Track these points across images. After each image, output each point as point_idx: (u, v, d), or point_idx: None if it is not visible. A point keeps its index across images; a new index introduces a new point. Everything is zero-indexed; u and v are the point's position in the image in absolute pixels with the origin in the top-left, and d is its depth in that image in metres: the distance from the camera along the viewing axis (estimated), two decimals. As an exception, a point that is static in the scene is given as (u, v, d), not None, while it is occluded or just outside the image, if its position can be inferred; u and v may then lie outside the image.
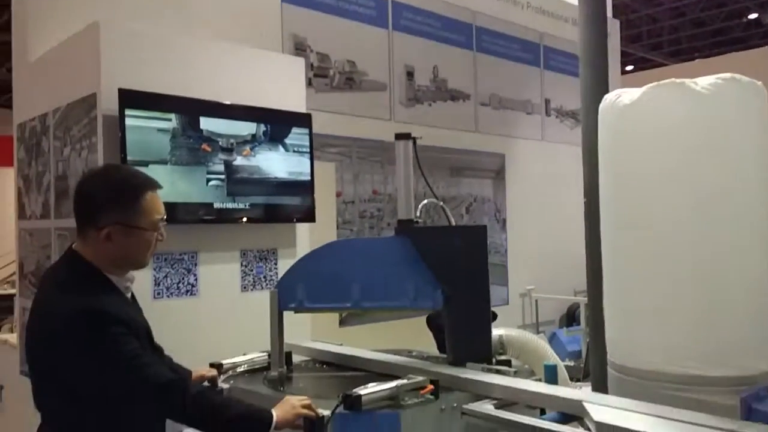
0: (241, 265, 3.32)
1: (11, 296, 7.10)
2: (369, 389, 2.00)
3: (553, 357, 2.52)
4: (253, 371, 2.63)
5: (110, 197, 1.84)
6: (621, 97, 2.08)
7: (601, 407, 1.80)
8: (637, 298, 2.09)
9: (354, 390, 1.98)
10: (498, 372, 2.25)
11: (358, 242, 2.54)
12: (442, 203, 2.80)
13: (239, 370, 2.61)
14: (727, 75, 1.90)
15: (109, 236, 1.80)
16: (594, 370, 2.84)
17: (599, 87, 2.84)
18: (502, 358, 2.41)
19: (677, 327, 1.98)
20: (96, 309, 1.70)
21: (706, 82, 1.87)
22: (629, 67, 11.78)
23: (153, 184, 1.92)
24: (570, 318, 7.42)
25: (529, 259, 6.57)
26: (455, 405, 2.11)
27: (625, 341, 2.12)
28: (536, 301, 6.56)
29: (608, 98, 2.18)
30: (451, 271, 2.38)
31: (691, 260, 2.00)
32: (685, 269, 2.01)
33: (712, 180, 1.96)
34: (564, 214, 5.86)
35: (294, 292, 2.51)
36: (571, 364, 4.41)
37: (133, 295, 1.92)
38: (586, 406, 1.82)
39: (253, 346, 2.76)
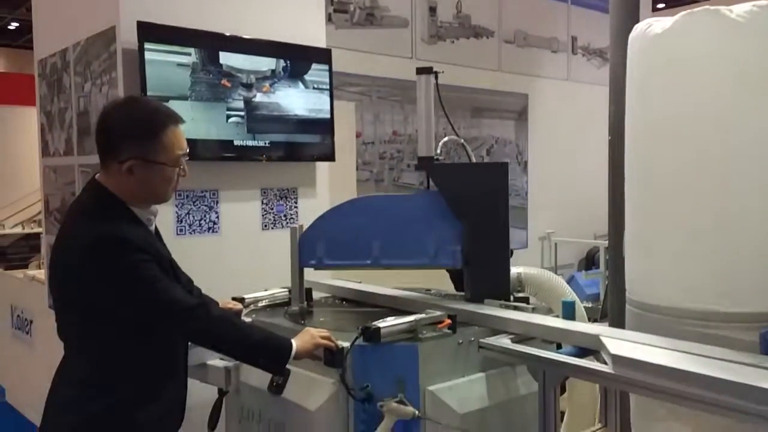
0: (262, 203, 3.34)
1: (38, 234, 7.29)
2: (388, 322, 2.03)
3: (571, 295, 2.53)
4: (274, 306, 2.68)
5: (132, 131, 1.81)
6: (652, 26, 2.00)
7: (618, 341, 1.81)
8: (660, 236, 2.06)
9: (373, 323, 2.01)
10: (515, 308, 2.27)
11: (379, 199, 2.54)
12: (462, 141, 2.76)
13: (261, 304, 2.66)
14: (764, 2, 1.82)
15: (130, 170, 1.79)
16: (612, 308, 2.84)
17: (629, 18, 2.73)
18: (520, 295, 2.42)
19: (698, 265, 1.96)
20: (118, 236, 1.72)
21: (742, 9, 1.79)
22: (661, 5, 11.35)
23: (176, 119, 1.87)
24: (589, 262, 7.41)
25: (550, 203, 6.52)
26: (472, 339, 2.14)
27: (645, 278, 2.11)
28: (555, 244, 6.55)
29: (638, 27, 2.10)
30: (471, 207, 2.37)
31: (715, 200, 1.96)
32: (709, 208, 1.97)
33: (742, 117, 1.90)
34: (588, 157, 5.75)
35: (314, 249, 2.53)
36: (589, 305, 4.42)
37: (156, 229, 1.94)
38: (603, 339, 1.83)
39: (273, 283, 2.81)
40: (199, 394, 2.74)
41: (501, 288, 2.41)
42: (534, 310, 2.24)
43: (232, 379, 2.58)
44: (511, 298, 2.41)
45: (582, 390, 2.57)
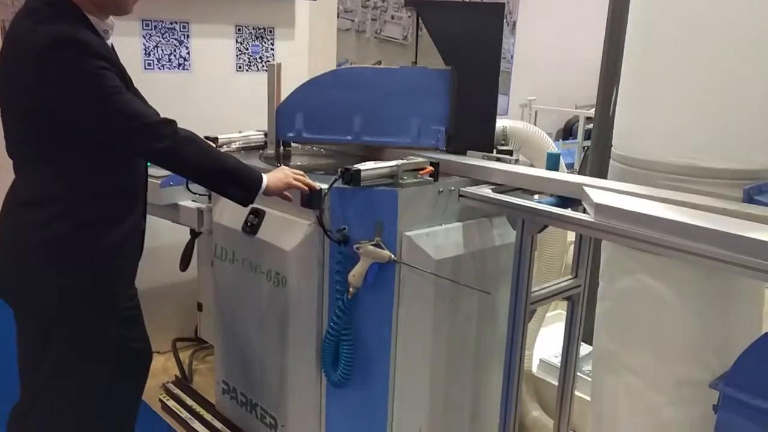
0: (236, 42, 3.13)
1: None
2: (368, 166, 1.96)
3: (554, 150, 2.48)
4: (249, 149, 2.59)
5: None
6: None
7: (601, 191, 1.78)
8: (653, 87, 1.98)
9: (353, 165, 1.94)
10: (497, 160, 2.22)
11: (363, 72, 2.36)
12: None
13: (234, 146, 2.57)
14: None
15: None
16: (592, 167, 2.82)
17: None
18: (504, 148, 2.36)
19: (688, 118, 1.90)
20: (78, 37, 1.56)
21: None
22: None
23: None
24: (567, 132, 7.39)
25: (535, 68, 6.35)
26: (452, 189, 2.10)
27: (632, 131, 2.05)
28: (536, 112, 6.46)
29: None
30: (461, 49, 2.24)
31: (714, 55, 1.87)
32: (708, 64, 1.88)
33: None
34: (581, 17, 5.51)
35: (292, 121, 2.39)
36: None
37: (113, 46, 1.76)
38: (587, 189, 1.80)
39: (247, 127, 2.70)
40: (171, 235, 2.73)
41: (485, 139, 2.34)
42: (516, 163, 2.19)
43: (205, 220, 2.55)
44: (494, 151, 2.36)
45: (553, 243, 2.60)
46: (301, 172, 1.95)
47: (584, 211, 1.89)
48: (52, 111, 1.60)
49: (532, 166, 2.38)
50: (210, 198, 2.51)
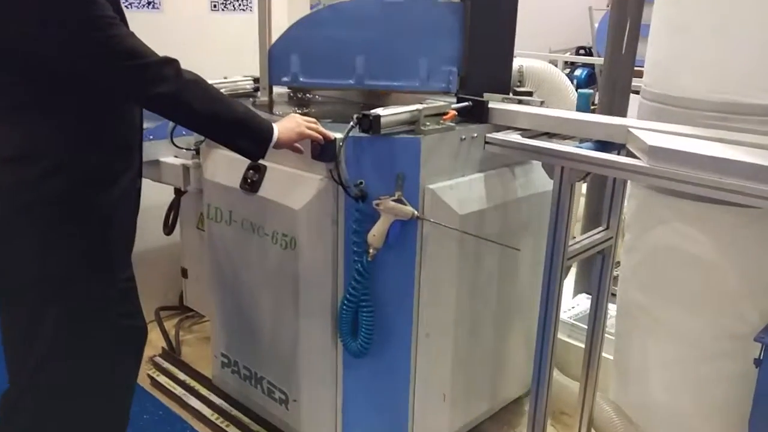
0: (210, -22, 2.81)
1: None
2: (388, 111, 1.74)
3: (573, 93, 2.30)
4: (237, 96, 2.33)
5: None
6: None
7: (650, 133, 1.61)
8: (692, 15, 1.81)
9: (371, 111, 1.72)
10: (520, 102, 2.02)
11: (365, 5, 2.08)
12: None
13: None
14: None
15: None
16: (602, 102, 2.65)
17: None
18: (522, 89, 2.17)
19: (733, 48, 1.74)
20: None
21: None
22: None
23: None
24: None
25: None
26: (475, 135, 1.90)
27: (668, 67, 1.88)
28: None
29: None
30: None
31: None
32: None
33: None
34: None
35: (287, 64, 2.11)
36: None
37: None
38: (634, 131, 1.63)
39: (225, 74, 2.42)
40: (151, 194, 2.46)
41: (502, 81, 2.14)
42: (542, 105, 2.00)
43: (191, 177, 2.30)
44: (510, 93, 2.16)
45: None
46: (314, 120, 1.72)
47: (626, 154, 1.73)
48: (33, 49, 1.34)
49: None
50: (197, 153, 2.25)
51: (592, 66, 6.36)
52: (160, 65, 1.41)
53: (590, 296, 2.87)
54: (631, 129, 1.66)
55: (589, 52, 7.19)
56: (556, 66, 6.28)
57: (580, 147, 1.70)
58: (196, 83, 1.49)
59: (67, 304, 1.49)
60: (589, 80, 6.30)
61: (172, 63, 1.44)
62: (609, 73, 2.67)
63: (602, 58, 6.18)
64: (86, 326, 1.53)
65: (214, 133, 1.61)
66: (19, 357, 1.55)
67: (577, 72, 6.47)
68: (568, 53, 7.13)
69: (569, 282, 2.94)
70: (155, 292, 2.92)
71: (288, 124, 1.66)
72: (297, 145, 1.69)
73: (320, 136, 1.70)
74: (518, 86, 2.25)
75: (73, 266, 1.48)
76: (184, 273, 2.80)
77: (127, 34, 1.40)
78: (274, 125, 1.62)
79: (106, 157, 1.51)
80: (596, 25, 6.74)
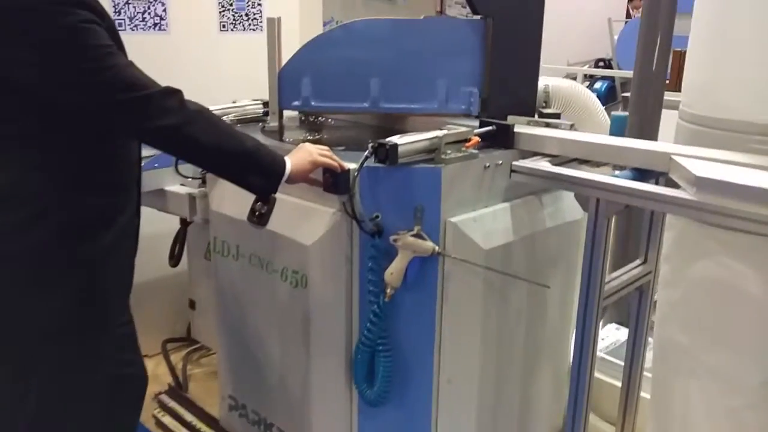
0: (219, -3, 2.71)
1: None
2: (406, 139, 1.60)
3: (603, 113, 2.15)
4: (246, 121, 2.20)
5: None
6: None
7: (696, 161, 1.46)
8: (740, 29, 1.65)
9: (388, 139, 1.58)
10: (547, 126, 1.88)
11: (380, 25, 1.96)
12: None
13: (227, 118, 2.18)
14: None
15: None
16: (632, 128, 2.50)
17: None
18: (549, 111, 2.02)
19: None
20: None
21: None
22: None
23: None
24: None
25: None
26: (500, 162, 1.76)
27: (711, 86, 1.73)
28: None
29: None
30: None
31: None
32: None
33: None
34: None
35: (297, 87, 2.00)
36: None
37: None
38: (678, 159, 1.48)
39: (236, 96, 2.31)
40: (157, 223, 2.34)
41: (526, 103, 2.00)
42: (572, 129, 1.85)
43: (198, 207, 2.18)
44: (535, 115, 2.02)
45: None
46: (326, 148, 1.59)
47: (665, 183, 1.58)
48: (22, 80, 1.23)
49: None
50: (204, 182, 2.13)
51: (612, 79, 6.20)
52: (162, 97, 1.29)
53: (620, 327, 2.73)
54: (673, 156, 1.50)
55: (608, 65, 7.02)
56: (575, 79, 6.15)
57: (617, 176, 1.55)
58: (202, 115, 1.36)
59: (56, 361, 1.36)
60: (609, 93, 6.13)
61: (175, 94, 1.32)
62: (639, 90, 2.51)
63: (623, 71, 6.03)
64: (78, 383, 1.40)
65: (222, 168, 1.47)
66: (5, 420, 1.41)
67: (597, 85, 6.30)
68: (587, 66, 6.96)
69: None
70: (162, 323, 2.80)
71: (300, 154, 1.53)
72: (312, 176, 1.56)
73: (336, 164, 1.57)
74: (544, 107, 2.11)
75: (62, 321, 1.35)
76: (192, 305, 2.67)
77: (125, 64, 1.28)
78: (286, 158, 1.49)
79: (100, 198, 1.38)
80: (615, 36, 6.58)
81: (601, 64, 7.11)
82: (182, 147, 1.38)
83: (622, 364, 1.98)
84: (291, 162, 1.48)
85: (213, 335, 2.50)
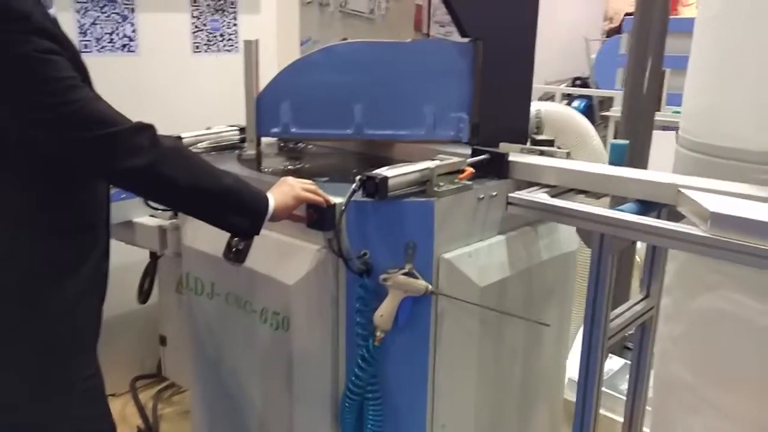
0: (192, 16, 2.58)
1: None
2: (396, 171, 1.49)
3: (597, 139, 2.07)
4: (221, 148, 2.07)
5: None
6: None
7: (707, 195, 1.37)
8: (746, 53, 1.58)
9: (377, 171, 1.47)
10: (542, 154, 1.79)
11: (362, 48, 1.87)
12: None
13: (202, 145, 2.05)
14: None
15: None
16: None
17: None
18: (542, 138, 1.93)
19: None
20: (12, 5, 1.05)
21: None
22: None
23: None
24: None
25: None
26: (494, 194, 1.66)
27: (713, 113, 1.66)
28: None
29: None
30: (487, 16, 1.79)
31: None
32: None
33: None
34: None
35: (276, 113, 1.89)
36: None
37: (56, 19, 1.22)
38: (686, 192, 1.39)
39: (210, 122, 2.18)
40: (125, 254, 2.19)
41: (518, 129, 1.91)
42: (569, 157, 1.76)
43: (168, 240, 2.03)
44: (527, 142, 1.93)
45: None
46: (309, 181, 1.47)
47: (667, 217, 1.49)
48: None
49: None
50: (175, 213, 1.99)
51: (590, 98, 6.20)
52: (132, 133, 1.16)
53: (612, 356, 2.64)
54: (682, 189, 1.41)
55: (585, 83, 7.04)
56: (553, 99, 6.13)
57: (622, 210, 1.46)
58: (176, 152, 1.24)
59: (11, 425, 1.21)
60: (588, 112, 6.13)
61: (146, 130, 1.19)
62: (629, 114, 2.45)
63: (602, 90, 6.02)
64: None
65: (199, 210, 1.33)
66: None
67: (575, 104, 6.29)
68: (563, 85, 6.97)
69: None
70: (131, 360, 2.64)
71: (282, 188, 1.41)
72: (297, 213, 1.44)
73: (321, 200, 1.45)
74: (536, 133, 2.02)
75: (29, 378, 1.21)
76: (163, 340, 2.51)
77: (89, 98, 1.15)
78: (268, 194, 1.37)
79: (64, 241, 1.25)
80: (592, 55, 6.60)
81: (578, 82, 7.13)
82: (155, 189, 1.25)
83: (622, 398, 1.89)
84: (273, 198, 1.36)
85: (185, 372, 2.35)
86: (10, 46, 1.05)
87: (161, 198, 1.34)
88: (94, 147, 1.14)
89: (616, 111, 5.01)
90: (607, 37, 7.43)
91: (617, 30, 6.46)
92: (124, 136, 1.15)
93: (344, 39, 4.95)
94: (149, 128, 1.19)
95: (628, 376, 1.82)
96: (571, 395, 2.24)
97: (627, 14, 5.91)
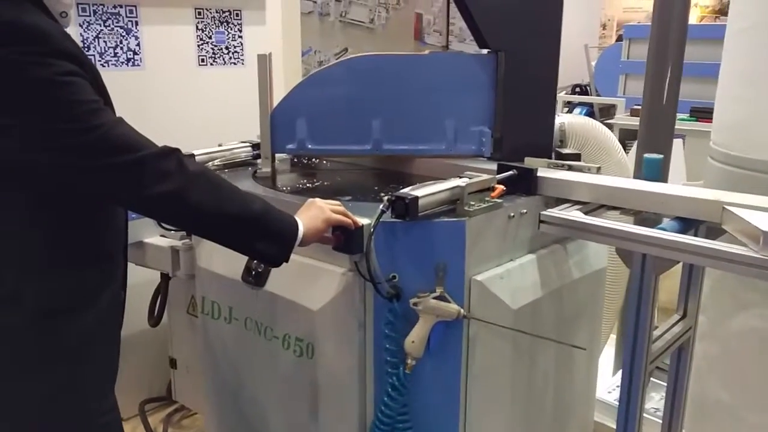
0: (197, 29, 2.51)
1: None
2: (425, 190, 1.42)
3: (622, 152, 2.01)
4: (234, 166, 2.00)
5: None
6: None
7: (754, 213, 1.31)
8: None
9: (405, 191, 1.40)
10: (570, 168, 1.72)
11: (381, 61, 1.81)
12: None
13: (214, 163, 1.97)
14: None
15: None
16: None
17: None
18: (567, 151, 1.87)
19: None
20: (30, 25, 0.98)
21: None
22: None
23: None
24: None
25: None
26: (524, 212, 1.59)
27: (746, 125, 1.61)
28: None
29: None
30: (510, 30, 1.73)
31: None
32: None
33: None
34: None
35: (292, 129, 1.82)
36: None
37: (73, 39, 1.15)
38: (733, 210, 1.32)
39: (219, 137, 2.11)
40: (135, 273, 2.11)
41: (542, 143, 1.85)
42: (599, 172, 1.70)
43: (181, 261, 1.95)
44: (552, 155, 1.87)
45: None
46: (337, 202, 1.39)
47: (705, 234, 1.43)
48: None
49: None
50: (188, 234, 1.91)
51: (591, 105, 6.17)
52: (159, 158, 1.09)
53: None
54: (727, 207, 1.35)
55: (584, 90, 7.01)
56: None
57: (664, 228, 1.39)
58: (204, 177, 1.16)
59: None
60: (589, 120, 6.09)
61: (172, 154, 1.12)
62: (648, 125, 2.39)
63: (603, 98, 5.98)
64: None
65: (227, 237, 1.25)
66: None
67: (576, 111, 6.26)
68: (563, 92, 6.93)
69: (608, 354, 2.62)
70: (140, 383, 2.55)
71: (312, 212, 1.34)
72: (326, 235, 1.37)
73: (351, 222, 1.38)
74: (560, 146, 1.96)
75: (44, 414, 1.14)
76: (173, 363, 2.42)
77: (113, 122, 1.08)
78: (297, 218, 1.29)
79: (81, 273, 1.17)
80: (593, 62, 6.56)
81: (578, 90, 7.10)
82: (182, 215, 1.17)
83: (657, 420, 1.82)
84: (303, 223, 1.28)
85: (196, 396, 2.26)
86: (29, 69, 0.98)
87: (186, 224, 1.27)
88: (121, 174, 1.06)
89: (619, 119, 4.97)
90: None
91: (619, 38, 6.43)
92: (151, 161, 1.08)
93: (345, 49, 4.90)
94: (176, 152, 1.12)
95: (654, 395, 1.76)
96: (603, 418, 2.18)
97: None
